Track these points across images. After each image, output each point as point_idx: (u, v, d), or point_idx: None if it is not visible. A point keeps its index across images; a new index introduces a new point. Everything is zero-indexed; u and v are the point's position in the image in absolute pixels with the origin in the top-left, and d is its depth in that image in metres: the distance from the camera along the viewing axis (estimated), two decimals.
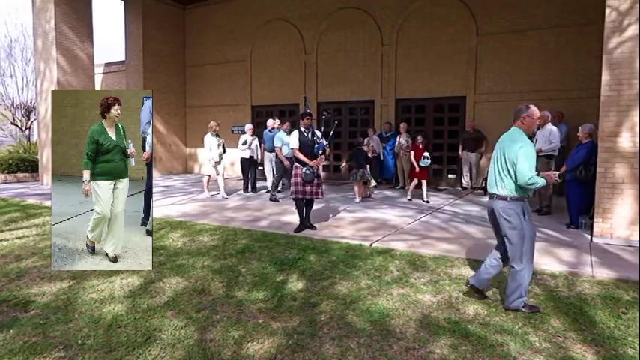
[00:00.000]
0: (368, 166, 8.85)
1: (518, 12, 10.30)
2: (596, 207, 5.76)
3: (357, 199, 8.83)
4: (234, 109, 14.63)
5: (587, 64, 9.39)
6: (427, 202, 8.65)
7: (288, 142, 8.40)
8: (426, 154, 8.63)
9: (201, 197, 9.48)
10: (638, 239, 5.49)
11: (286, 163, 8.53)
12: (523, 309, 3.49)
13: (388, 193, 10.17)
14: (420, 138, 8.80)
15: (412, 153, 8.82)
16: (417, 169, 8.77)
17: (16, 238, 5.93)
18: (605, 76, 5.64)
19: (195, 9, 15.22)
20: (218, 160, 9.25)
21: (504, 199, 3.47)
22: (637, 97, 5.43)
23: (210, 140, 9.21)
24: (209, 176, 9.59)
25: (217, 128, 9.40)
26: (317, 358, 2.84)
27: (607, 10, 5.61)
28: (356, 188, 8.91)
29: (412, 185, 9.00)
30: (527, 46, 10.24)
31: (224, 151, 9.46)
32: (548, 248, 5.28)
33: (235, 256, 4.99)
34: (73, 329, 3.22)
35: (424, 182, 8.83)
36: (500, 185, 3.50)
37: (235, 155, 11.79)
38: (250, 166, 10.06)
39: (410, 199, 8.85)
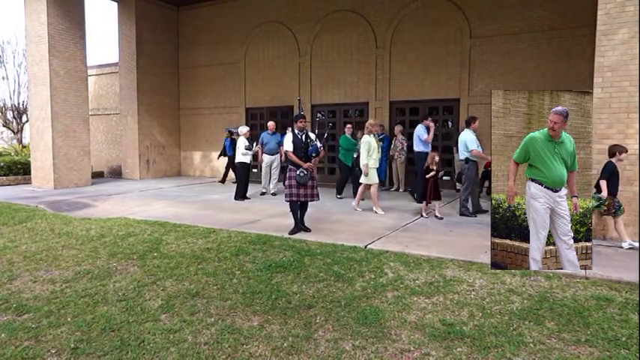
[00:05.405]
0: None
1: (511, 15, 10.37)
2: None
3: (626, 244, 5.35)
4: (229, 111, 14.60)
5: (580, 67, 9.47)
6: None
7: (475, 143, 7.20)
8: None
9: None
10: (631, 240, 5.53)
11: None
12: None
13: (384, 195, 10.17)
14: None
15: None
16: None
17: (8, 241, 5.87)
18: (596, 79, 5.69)
19: (189, 10, 15.18)
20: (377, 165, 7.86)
21: None
22: (628, 100, 5.49)
23: (370, 141, 7.66)
24: (370, 185, 7.77)
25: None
26: None
27: (599, 14, 5.67)
28: (620, 228, 5.46)
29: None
30: (520, 49, 10.31)
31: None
32: None
33: (230, 258, 4.97)
34: (66, 333, 3.19)
35: None
36: None
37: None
38: (247, 170, 9.60)
39: None
